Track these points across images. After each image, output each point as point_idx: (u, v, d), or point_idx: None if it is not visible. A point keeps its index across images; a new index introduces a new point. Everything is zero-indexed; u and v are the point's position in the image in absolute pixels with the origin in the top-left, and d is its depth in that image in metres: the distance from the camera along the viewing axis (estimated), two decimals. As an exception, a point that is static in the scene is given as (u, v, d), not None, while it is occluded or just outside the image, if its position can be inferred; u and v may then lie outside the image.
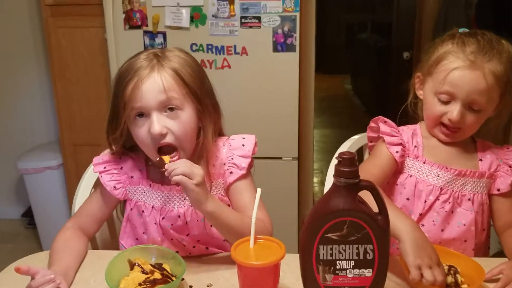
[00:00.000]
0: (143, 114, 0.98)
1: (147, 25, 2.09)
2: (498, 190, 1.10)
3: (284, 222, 2.22)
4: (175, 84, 0.98)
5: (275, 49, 2.08)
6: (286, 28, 2.05)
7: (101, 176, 1.07)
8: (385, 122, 1.15)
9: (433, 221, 1.09)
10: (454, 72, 1.02)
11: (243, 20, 2.05)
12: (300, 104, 2.38)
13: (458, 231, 1.08)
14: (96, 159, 1.10)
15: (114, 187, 1.07)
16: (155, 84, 0.97)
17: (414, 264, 0.85)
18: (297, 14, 2.03)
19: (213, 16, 2.05)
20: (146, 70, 0.97)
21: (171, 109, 0.98)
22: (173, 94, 0.98)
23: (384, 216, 0.81)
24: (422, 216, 1.10)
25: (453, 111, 1.03)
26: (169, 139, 0.98)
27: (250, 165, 1.10)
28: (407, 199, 1.11)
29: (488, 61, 1.01)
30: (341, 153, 0.81)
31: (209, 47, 2.08)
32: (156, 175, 1.08)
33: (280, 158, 2.22)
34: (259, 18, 2.05)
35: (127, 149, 1.09)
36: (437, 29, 3.17)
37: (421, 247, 0.87)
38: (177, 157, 0.99)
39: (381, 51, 4.48)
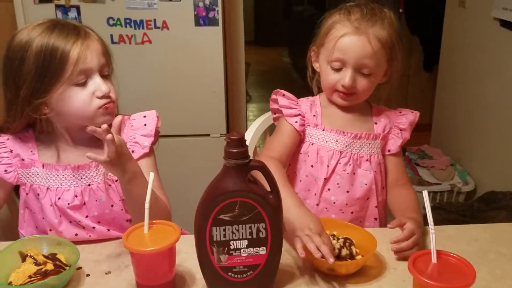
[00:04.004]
0: (86, 80, 0.98)
1: (59, -1, 1.97)
2: (389, 151, 1.17)
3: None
4: (105, 48, 1.03)
5: (197, 23, 2.02)
6: (207, 1, 1.99)
7: None
8: (283, 95, 1.18)
9: (338, 184, 1.14)
10: (342, 39, 1.06)
11: (161, -7, 1.97)
12: (227, 79, 2.35)
13: (361, 190, 1.14)
14: None
15: (5, 170, 1.03)
16: (97, 46, 1.00)
17: (295, 236, 0.89)
18: (218, -14, 1.98)
19: (129, -12, 1.96)
20: (81, 35, 0.98)
21: (105, 72, 1.02)
22: (107, 58, 1.03)
23: (276, 195, 0.82)
24: (326, 180, 1.14)
25: (345, 77, 1.08)
26: (113, 97, 1.01)
27: (153, 142, 1.10)
28: (312, 166, 1.15)
29: (371, 26, 1.06)
30: (230, 134, 0.80)
31: (127, 21, 1.99)
32: (48, 155, 1.04)
33: (208, 135, 2.20)
34: (178, -9, 1.97)
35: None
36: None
37: (301, 221, 0.90)
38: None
39: (316, 23, 4.49)
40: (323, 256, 0.84)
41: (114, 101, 1.02)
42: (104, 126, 0.87)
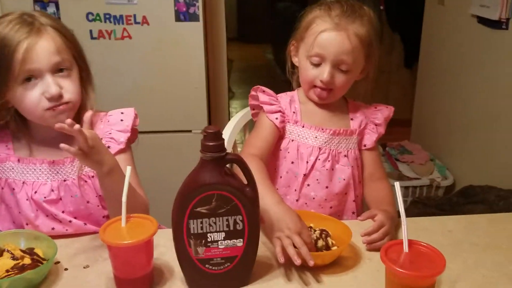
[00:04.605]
0: (31, 77, 0.95)
1: (37, -7, 1.94)
2: (365, 146, 1.20)
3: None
4: (64, 45, 0.98)
5: (178, 19, 2.02)
6: (187, -3, 1.99)
7: None
8: (263, 91, 1.19)
9: (317, 179, 1.15)
10: (322, 34, 1.07)
11: (141, -12, 1.96)
12: (209, 75, 2.35)
13: (340, 186, 1.16)
14: None
15: None
16: (48, 45, 0.95)
17: (274, 237, 0.90)
18: (198, -18, 1.98)
19: (109, -17, 1.95)
20: (33, 32, 0.94)
21: (62, 70, 0.98)
22: (64, 55, 0.98)
23: (252, 187, 0.83)
24: (306, 176, 1.15)
25: (323, 72, 1.09)
26: (66, 98, 0.97)
27: (131, 140, 1.09)
28: (292, 162, 1.16)
29: (351, 23, 1.08)
30: (206, 127, 0.81)
31: (107, 16, 1.98)
32: (24, 149, 1.03)
33: (190, 131, 2.20)
34: (158, -14, 1.97)
35: None
36: None
37: (280, 220, 0.91)
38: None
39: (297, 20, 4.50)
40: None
41: (67, 102, 0.97)
42: (68, 120, 0.86)
